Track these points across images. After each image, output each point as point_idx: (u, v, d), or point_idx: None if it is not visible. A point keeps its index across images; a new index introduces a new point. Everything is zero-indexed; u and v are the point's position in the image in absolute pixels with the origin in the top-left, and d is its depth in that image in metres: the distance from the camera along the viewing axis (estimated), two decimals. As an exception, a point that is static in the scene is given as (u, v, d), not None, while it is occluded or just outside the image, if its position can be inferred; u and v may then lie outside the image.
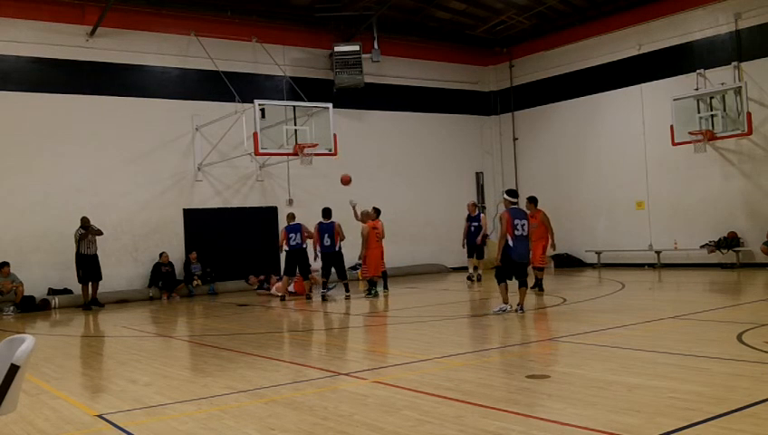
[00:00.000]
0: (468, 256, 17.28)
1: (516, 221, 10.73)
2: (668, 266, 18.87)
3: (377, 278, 14.87)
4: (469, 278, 17.09)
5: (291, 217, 15.55)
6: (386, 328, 11.27)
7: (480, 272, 17.29)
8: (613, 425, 4.70)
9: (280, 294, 15.52)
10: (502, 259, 10.79)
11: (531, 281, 12.64)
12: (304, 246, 15.06)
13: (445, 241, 21.97)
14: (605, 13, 20.42)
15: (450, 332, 10.08)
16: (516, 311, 10.69)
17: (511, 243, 10.64)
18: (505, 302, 10.86)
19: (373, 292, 14.72)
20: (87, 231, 15.42)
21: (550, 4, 20.33)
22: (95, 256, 15.54)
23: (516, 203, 11.16)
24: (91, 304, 15.35)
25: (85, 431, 5.36)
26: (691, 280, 16.03)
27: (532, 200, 13.80)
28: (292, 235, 15.08)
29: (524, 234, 10.79)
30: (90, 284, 15.45)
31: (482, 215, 17.44)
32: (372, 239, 14.52)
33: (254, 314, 13.69)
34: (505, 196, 11.23)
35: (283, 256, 15.64)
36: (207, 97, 18.26)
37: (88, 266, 15.41)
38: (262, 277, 17.82)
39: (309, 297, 15.11)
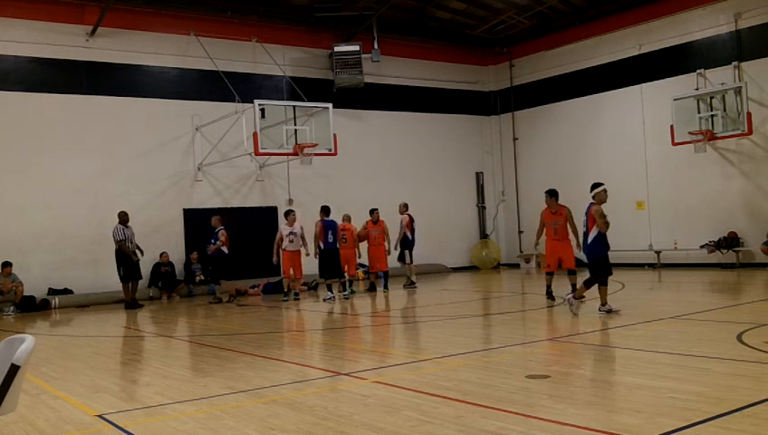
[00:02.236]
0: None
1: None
2: (668, 266, 18.87)
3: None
4: (406, 286, 16.51)
5: (220, 220, 15.95)
6: (386, 328, 11.27)
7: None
8: (613, 425, 4.70)
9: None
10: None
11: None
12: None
13: (445, 241, 22.02)
14: (605, 13, 20.40)
15: (450, 332, 10.07)
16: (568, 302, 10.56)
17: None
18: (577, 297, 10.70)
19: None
20: (127, 227, 15.28)
21: (550, 4, 20.33)
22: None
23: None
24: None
25: (85, 431, 5.36)
26: (691, 280, 16.03)
27: (553, 194, 12.68)
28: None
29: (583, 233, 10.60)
30: (131, 283, 15.24)
31: (402, 217, 16.35)
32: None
33: (254, 314, 13.68)
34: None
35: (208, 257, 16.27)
36: (207, 97, 18.25)
37: (132, 264, 15.21)
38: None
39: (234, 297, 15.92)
